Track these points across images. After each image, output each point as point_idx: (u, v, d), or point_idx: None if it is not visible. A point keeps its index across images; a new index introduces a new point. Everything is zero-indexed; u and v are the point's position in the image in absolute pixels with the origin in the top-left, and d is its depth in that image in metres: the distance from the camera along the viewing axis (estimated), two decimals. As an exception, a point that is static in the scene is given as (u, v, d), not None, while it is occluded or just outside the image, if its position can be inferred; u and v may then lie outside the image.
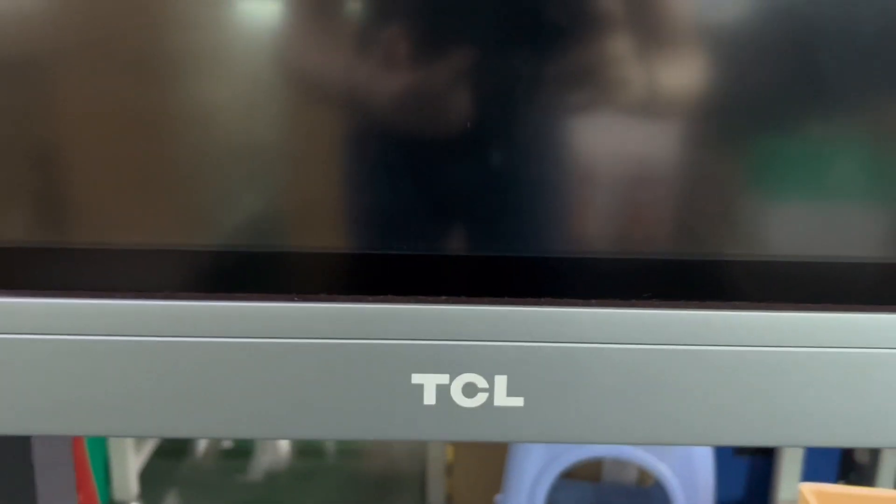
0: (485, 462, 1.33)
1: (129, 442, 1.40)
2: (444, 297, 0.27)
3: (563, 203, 0.27)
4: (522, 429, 0.28)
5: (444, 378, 0.28)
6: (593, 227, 0.28)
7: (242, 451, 1.66)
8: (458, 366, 0.28)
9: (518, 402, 0.28)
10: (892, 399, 0.27)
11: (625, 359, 0.27)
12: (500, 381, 0.28)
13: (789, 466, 1.16)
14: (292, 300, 0.27)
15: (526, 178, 0.27)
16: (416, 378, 0.28)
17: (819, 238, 0.27)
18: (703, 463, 0.98)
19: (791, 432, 0.27)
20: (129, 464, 1.43)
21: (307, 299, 0.27)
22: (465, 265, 0.27)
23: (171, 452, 1.61)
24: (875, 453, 1.26)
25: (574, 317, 0.27)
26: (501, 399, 0.28)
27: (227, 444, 1.69)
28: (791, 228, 0.27)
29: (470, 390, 0.28)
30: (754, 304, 0.27)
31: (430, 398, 0.28)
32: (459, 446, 1.42)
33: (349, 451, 1.67)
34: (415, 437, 0.28)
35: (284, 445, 1.68)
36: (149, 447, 1.57)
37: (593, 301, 0.28)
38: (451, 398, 0.28)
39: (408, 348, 0.27)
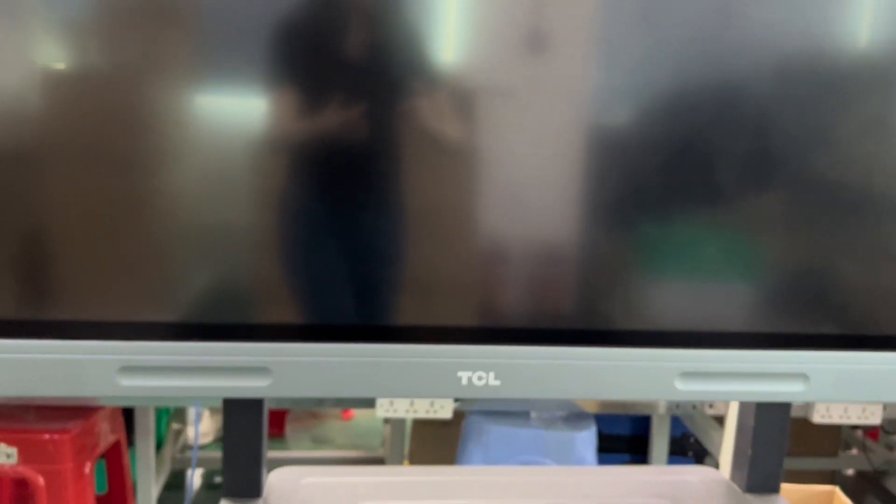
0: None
1: (152, 474, 1.75)
2: (472, 342, 0.72)
3: (521, 304, 0.73)
4: (500, 394, 0.73)
5: (469, 373, 0.72)
6: (523, 308, 0.73)
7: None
8: (475, 368, 0.72)
9: (498, 383, 0.73)
10: (624, 384, 0.73)
11: (543, 365, 0.73)
12: (492, 375, 0.72)
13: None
14: (420, 344, 0.71)
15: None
16: (459, 373, 0.72)
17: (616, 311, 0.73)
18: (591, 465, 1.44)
19: (607, 392, 0.73)
20: (152, 491, 1.80)
21: (428, 343, 0.71)
22: (480, 331, 0.72)
23: (174, 485, 1.96)
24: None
25: (521, 351, 0.72)
26: (492, 381, 0.73)
27: (217, 480, 2.05)
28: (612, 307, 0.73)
29: (479, 378, 0.72)
30: (598, 347, 0.73)
31: (464, 382, 0.72)
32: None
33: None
34: (457, 396, 0.72)
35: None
36: (161, 480, 1.93)
37: (530, 343, 0.73)
38: (472, 381, 0.72)
39: (456, 362, 0.72)
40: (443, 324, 0.72)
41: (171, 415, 2.00)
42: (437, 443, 1.96)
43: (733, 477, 0.94)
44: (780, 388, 0.74)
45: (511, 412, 1.72)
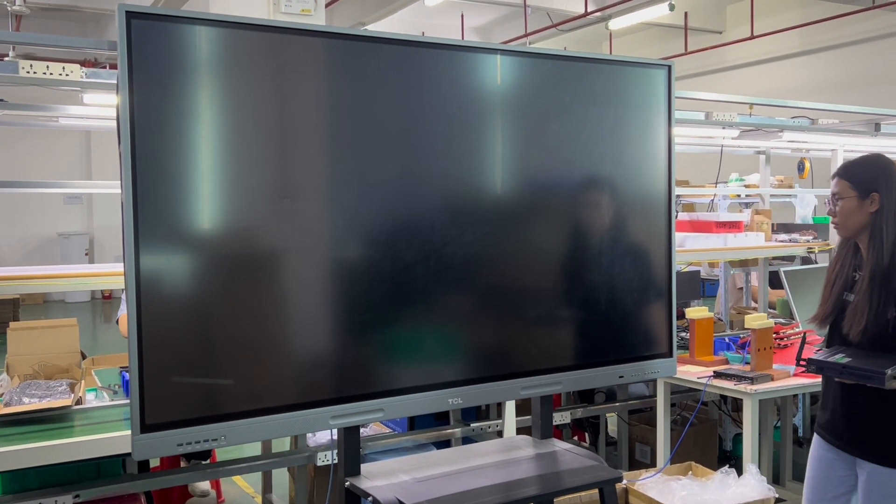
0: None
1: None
2: (454, 386, 1.99)
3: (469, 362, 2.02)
4: (462, 404, 2.01)
5: (457, 400, 2.00)
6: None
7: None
8: (455, 397, 1.99)
9: (460, 401, 2.01)
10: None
11: (473, 392, 2.02)
12: (458, 399, 2.00)
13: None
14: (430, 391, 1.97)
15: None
16: (451, 401, 1.99)
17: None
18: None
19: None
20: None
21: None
22: (455, 382, 2.00)
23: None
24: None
25: (468, 389, 2.02)
26: (458, 401, 2.00)
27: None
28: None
29: (455, 401, 2.00)
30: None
31: (454, 404, 2.00)
32: None
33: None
34: (451, 409, 1.99)
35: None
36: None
37: (474, 381, 2.02)
38: (456, 402, 2.00)
39: (449, 393, 1.99)
40: (444, 380, 1.98)
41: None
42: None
43: (533, 434, 2.28)
44: (547, 389, 2.11)
45: (390, 450, 2.89)
